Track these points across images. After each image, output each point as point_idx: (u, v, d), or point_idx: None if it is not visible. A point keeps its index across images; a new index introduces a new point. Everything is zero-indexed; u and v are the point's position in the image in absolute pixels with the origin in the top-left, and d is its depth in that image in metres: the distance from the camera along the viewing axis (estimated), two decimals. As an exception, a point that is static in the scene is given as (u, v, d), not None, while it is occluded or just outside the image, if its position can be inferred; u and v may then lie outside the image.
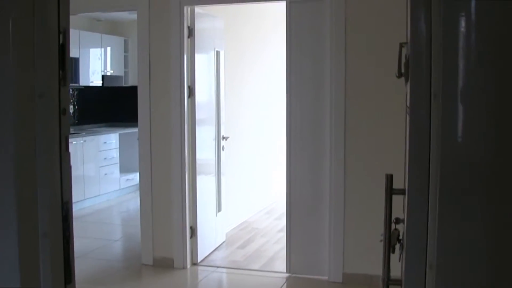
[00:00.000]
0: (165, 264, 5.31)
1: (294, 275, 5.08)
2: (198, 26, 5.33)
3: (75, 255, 1.68)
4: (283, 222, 6.96)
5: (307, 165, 5.00)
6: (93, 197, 8.06)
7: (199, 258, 5.46)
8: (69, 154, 1.71)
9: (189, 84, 5.27)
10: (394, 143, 4.55)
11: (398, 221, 1.98)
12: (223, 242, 6.15)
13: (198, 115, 5.38)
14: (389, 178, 2.05)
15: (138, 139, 5.46)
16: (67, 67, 1.68)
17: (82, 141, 7.83)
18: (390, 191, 2.01)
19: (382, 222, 1.95)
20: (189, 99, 5.28)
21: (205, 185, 5.65)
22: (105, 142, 8.32)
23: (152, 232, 5.38)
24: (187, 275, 5.24)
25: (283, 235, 6.36)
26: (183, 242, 5.31)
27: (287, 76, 4.94)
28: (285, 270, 5.12)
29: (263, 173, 7.89)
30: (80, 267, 5.28)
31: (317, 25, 4.83)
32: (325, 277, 4.93)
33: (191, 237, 5.38)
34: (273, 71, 8.20)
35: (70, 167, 1.72)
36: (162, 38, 5.19)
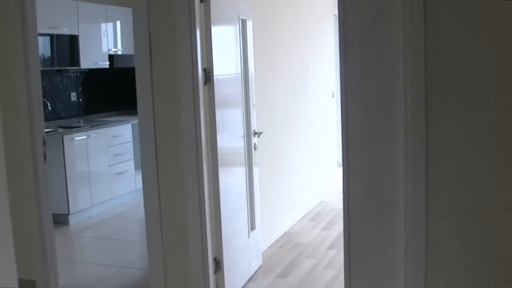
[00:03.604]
0: (181, 309, 3.98)
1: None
2: (215, -14, 3.89)
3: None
4: (333, 234, 5.59)
5: (370, 157, 3.41)
6: (102, 202, 6.71)
7: (227, 298, 4.11)
8: None
9: (205, 66, 3.85)
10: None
11: None
12: (259, 268, 4.77)
13: (219, 108, 3.96)
14: None
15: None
16: None
17: (85, 137, 6.49)
18: None
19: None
20: (206, 86, 3.87)
21: (232, 197, 4.27)
22: (115, 136, 6.96)
23: (164, 263, 4.03)
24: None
25: (335, 254, 4.98)
26: (205, 279, 3.96)
27: (340, 50, 3.39)
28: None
29: (303, 168, 6.46)
30: None
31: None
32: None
33: (215, 271, 4.03)
34: (319, 44, 6.72)
35: None
36: (165, 4, 3.77)
